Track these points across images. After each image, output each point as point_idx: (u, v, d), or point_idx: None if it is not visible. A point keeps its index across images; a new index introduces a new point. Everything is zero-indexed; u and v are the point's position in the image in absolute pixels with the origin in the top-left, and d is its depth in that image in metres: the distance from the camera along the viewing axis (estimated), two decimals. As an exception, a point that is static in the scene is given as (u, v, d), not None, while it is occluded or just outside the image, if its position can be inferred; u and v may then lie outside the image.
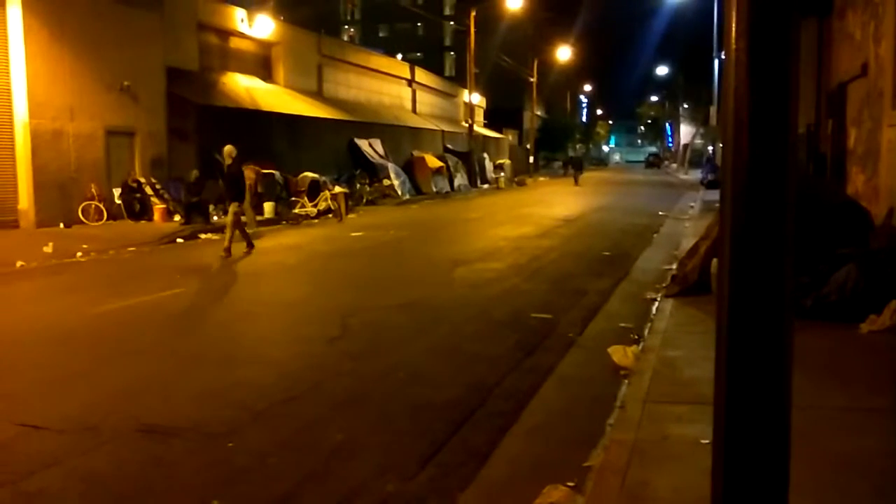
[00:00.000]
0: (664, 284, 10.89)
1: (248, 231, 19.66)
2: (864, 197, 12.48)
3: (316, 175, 26.74)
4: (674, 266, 11.65)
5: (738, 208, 2.06)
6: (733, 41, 2.02)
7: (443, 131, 48.22)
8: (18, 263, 14.31)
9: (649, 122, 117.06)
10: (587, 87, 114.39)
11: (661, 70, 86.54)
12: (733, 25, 2.02)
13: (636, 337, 8.31)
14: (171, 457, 5.20)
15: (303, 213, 24.46)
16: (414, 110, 48.21)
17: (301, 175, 26.47)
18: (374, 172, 33.49)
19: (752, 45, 1.99)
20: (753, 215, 2.03)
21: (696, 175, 53.11)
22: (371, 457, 5.17)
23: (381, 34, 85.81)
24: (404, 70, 48.17)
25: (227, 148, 16.08)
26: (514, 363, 7.51)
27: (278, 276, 13.72)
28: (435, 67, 63.35)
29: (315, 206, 24.93)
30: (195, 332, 9.05)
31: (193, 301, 11.00)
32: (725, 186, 2.10)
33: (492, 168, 50.42)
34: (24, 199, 19.51)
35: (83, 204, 20.52)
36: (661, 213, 25.72)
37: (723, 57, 2.12)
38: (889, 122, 11.47)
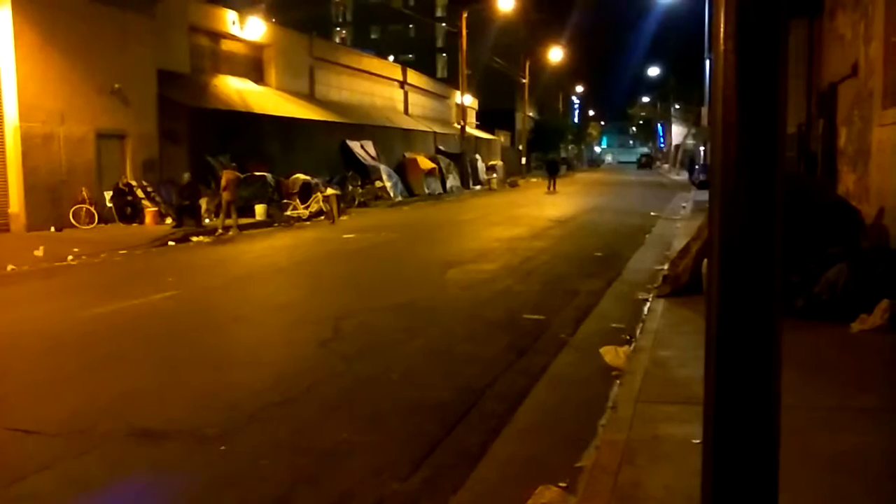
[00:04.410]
0: (656, 285, 10.91)
1: (228, 235, 19.72)
2: (854, 196, 12.53)
3: (308, 177, 26.72)
4: (665, 266, 11.66)
5: (727, 209, 2.07)
6: (721, 42, 2.03)
7: (435, 133, 48.24)
8: (9, 267, 14.26)
9: (641, 122, 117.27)
10: (579, 89, 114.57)
11: (653, 71, 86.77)
12: (721, 27, 2.02)
13: (628, 337, 8.32)
14: (164, 460, 5.19)
15: (295, 215, 24.43)
16: (406, 112, 48.22)
17: (293, 177, 26.44)
18: (366, 174, 33.48)
19: (740, 47, 2.00)
20: (742, 216, 2.04)
21: (687, 176, 53.28)
22: (364, 458, 5.17)
23: (372, 36, 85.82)
24: (396, 72, 48.18)
25: None
26: (507, 364, 7.52)
27: (270, 278, 13.69)
28: (427, 69, 63.36)
29: (307, 207, 24.91)
30: (187, 335, 9.03)
31: (185, 304, 10.97)
32: (714, 187, 2.11)
33: (484, 169, 50.45)
34: (15, 202, 19.44)
35: (74, 207, 20.46)
36: (652, 213, 25.77)
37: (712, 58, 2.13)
38: (879, 121, 11.52)
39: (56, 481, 4.85)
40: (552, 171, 44.95)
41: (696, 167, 47.35)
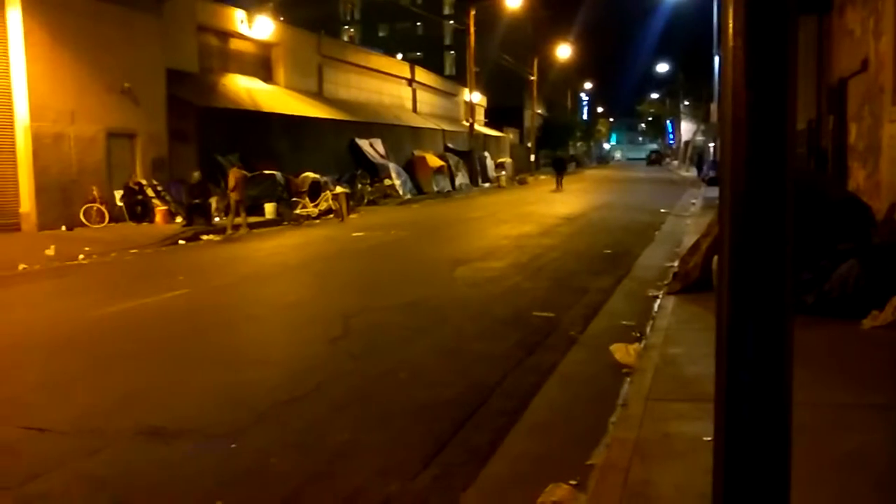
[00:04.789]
0: (666, 282, 10.89)
1: (238, 234, 19.81)
2: (865, 192, 12.47)
3: (317, 175, 26.77)
4: (675, 263, 11.64)
5: (737, 206, 2.06)
6: (730, 39, 2.02)
7: (443, 130, 48.23)
8: (21, 266, 14.33)
9: (650, 119, 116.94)
10: (588, 85, 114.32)
11: (662, 67, 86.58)
12: (730, 23, 2.02)
13: (638, 335, 8.30)
14: (175, 459, 5.21)
15: (304, 213, 24.48)
16: (414, 110, 48.23)
17: (302, 175, 26.49)
18: (375, 172, 33.51)
19: (749, 44, 1.99)
20: (752, 213, 2.03)
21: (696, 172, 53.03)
22: (374, 456, 5.17)
23: (380, 34, 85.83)
24: (404, 70, 48.20)
25: None
26: (516, 362, 7.51)
27: (280, 276, 13.72)
28: (435, 67, 63.34)
29: (316, 206, 24.95)
30: (198, 334, 9.06)
31: (196, 302, 11.01)
32: (724, 184, 2.10)
33: (493, 167, 50.44)
34: (26, 202, 19.53)
35: (85, 206, 20.53)
36: (662, 210, 25.70)
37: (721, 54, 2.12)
38: (889, 117, 11.46)
39: (68, 479, 4.88)
40: (559, 168, 43.94)
41: (704, 164, 47.23)
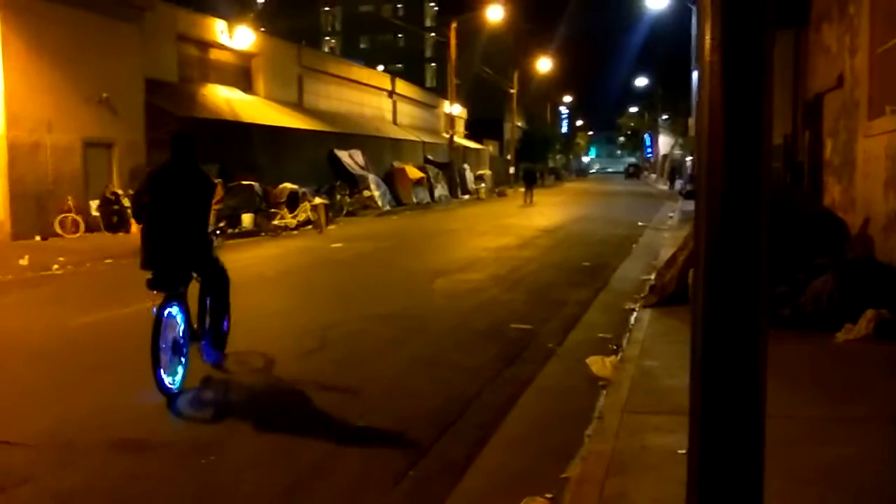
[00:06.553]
0: (643, 295, 10.92)
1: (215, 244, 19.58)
2: (840, 207, 12.59)
3: (295, 186, 26.66)
4: (652, 276, 11.69)
5: (712, 219, 2.07)
6: (707, 54, 2.03)
7: (423, 142, 48.29)
8: (-7, 276, 14.15)
9: (629, 132, 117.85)
10: (567, 99, 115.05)
11: (641, 81, 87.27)
12: (707, 39, 2.03)
13: (615, 347, 8.32)
14: (147, 472, 5.13)
15: (282, 224, 24.36)
16: (395, 121, 48.26)
17: (280, 186, 26.38)
18: (354, 183, 33.46)
19: (725, 59, 2.00)
20: (728, 226, 2.04)
21: (675, 185, 53.38)
22: (350, 469, 5.13)
23: (361, 45, 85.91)
24: (385, 81, 48.25)
25: None
26: (494, 374, 7.50)
27: (258, 288, 13.62)
28: (416, 78, 63.51)
29: (295, 217, 24.85)
30: (173, 345, 8.94)
31: (171, 313, 10.87)
32: (700, 198, 2.11)
33: (472, 179, 50.56)
34: (0, 211, 19.31)
35: (60, 216, 20.33)
36: (640, 223, 25.84)
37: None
38: (864, 132, 11.59)
39: (36, 494, 4.79)
40: (529, 181, 41.97)
41: (678, 178, 47.70)
